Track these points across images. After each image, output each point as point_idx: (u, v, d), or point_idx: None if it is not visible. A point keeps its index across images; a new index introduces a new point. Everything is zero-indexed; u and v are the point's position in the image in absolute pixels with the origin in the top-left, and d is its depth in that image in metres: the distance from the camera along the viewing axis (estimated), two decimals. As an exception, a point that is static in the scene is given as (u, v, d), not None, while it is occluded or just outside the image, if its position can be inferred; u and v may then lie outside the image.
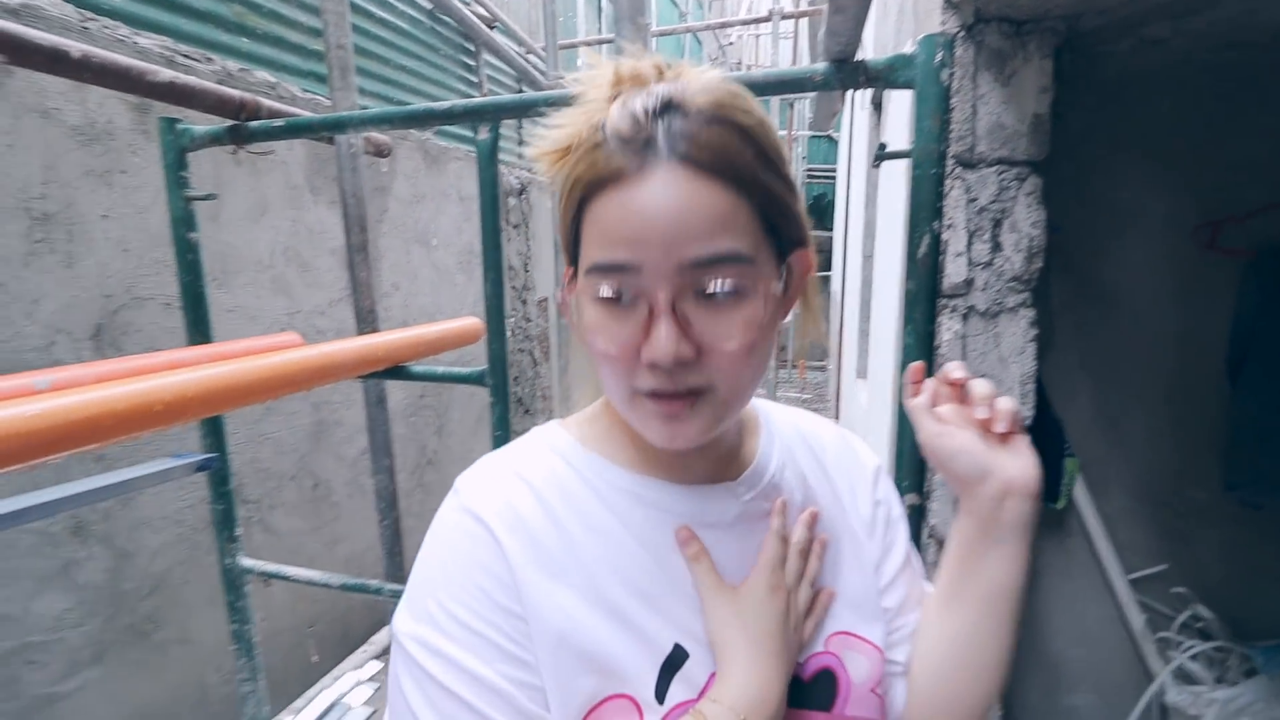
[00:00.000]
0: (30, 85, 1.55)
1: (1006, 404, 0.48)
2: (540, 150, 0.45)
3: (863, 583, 0.53)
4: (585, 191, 0.42)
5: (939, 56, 0.83)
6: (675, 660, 0.45)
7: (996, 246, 1.30)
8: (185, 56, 1.95)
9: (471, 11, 3.55)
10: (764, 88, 0.96)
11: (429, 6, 3.27)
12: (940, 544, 1.48)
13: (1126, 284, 1.55)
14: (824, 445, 0.58)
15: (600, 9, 5.77)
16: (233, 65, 2.12)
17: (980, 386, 0.49)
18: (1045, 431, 1.56)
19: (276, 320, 2.31)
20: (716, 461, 0.51)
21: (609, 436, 0.51)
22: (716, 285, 0.40)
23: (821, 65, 0.90)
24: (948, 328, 1.37)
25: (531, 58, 4.16)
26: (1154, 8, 1.20)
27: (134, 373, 0.73)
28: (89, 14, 1.69)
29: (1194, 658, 1.56)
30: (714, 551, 0.48)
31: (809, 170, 9.57)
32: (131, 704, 1.88)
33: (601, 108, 0.43)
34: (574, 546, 0.45)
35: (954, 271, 1.35)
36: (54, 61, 0.86)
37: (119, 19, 1.78)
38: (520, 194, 4.08)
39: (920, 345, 0.90)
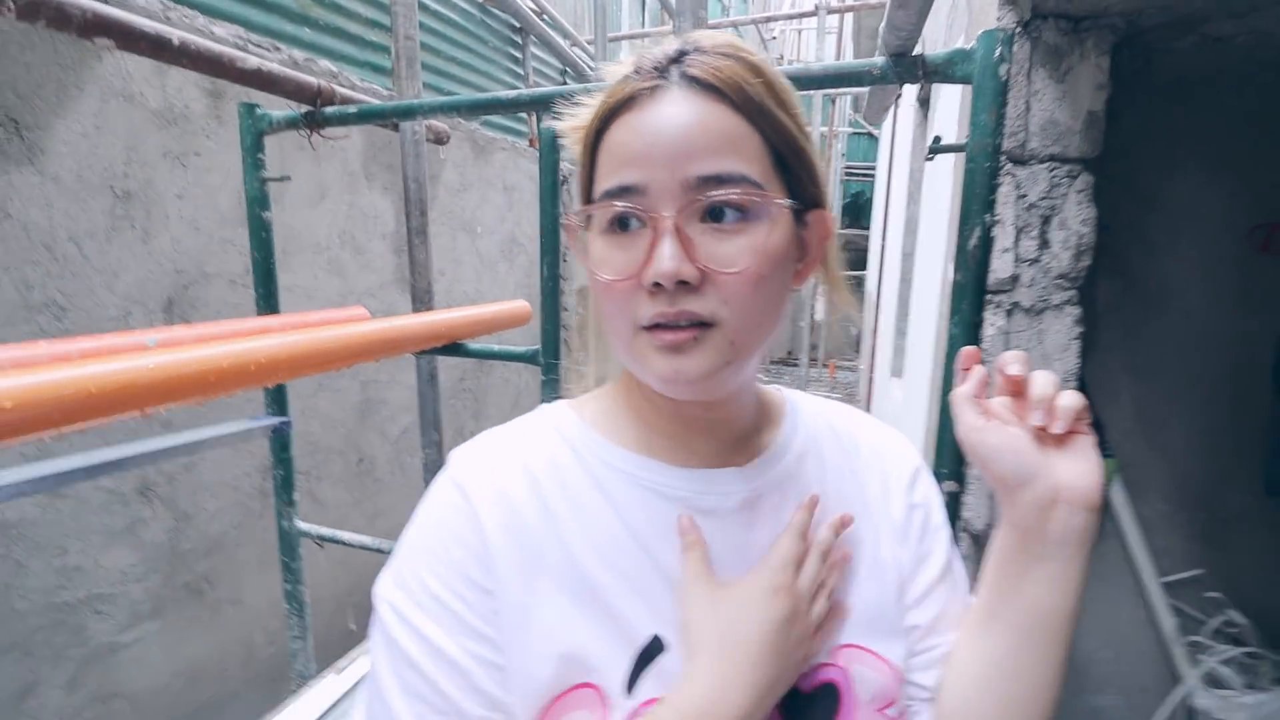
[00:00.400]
0: (117, 70, 1.64)
1: (1069, 400, 0.42)
2: (569, 125, 0.45)
3: (880, 593, 0.49)
4: (601, 124, 0.42)
5: (998, 52, 0.84)
6: (651, 651, 0.42)
7: (1044, 243, 1.31)
8: (256, 45, 2.04)
9: (521, 3, 3.61)
10: (822, 80, 0.98)
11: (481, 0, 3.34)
12: (973, 538, 1.49)
13: (1176, 285, 1.53)
14: (857, 440, 0.53)
15: (644, 3, 5.79)
16: (299, 54, 2.20)
17: (1040, 384, 0.43)
18: (1086, 431, 1.55)
19: (330, 299, 2.40)
20: (726, 444, 0.48)
21: (613, 416, 0.49)
22: (722, 201, 0.39)
23: (880, 59, 0.92)
24: (991, 323, 1.38)
25: (577, 50, 4.21)
26: (1218, 4, 1.19)
27: (228, 336, 0.79)
28: (170, 3, 1.78)
29: (1225, 663, 1.55)
30: (711, 540, 0.45)
31: (848, 168, 9.46)
32: (184, 658, 1.99)
33: (619, 82, 0.43)
34: (557, 525, 0.43)
35: (1000, 267, 1.35)
36: (157, 47, 0.93)
37: (196, 9, 1.87)
38: (562, 184, 4.14)
39: (966, 337, 0.91)
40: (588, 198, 0.43)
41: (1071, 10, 1.21)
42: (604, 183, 0.41)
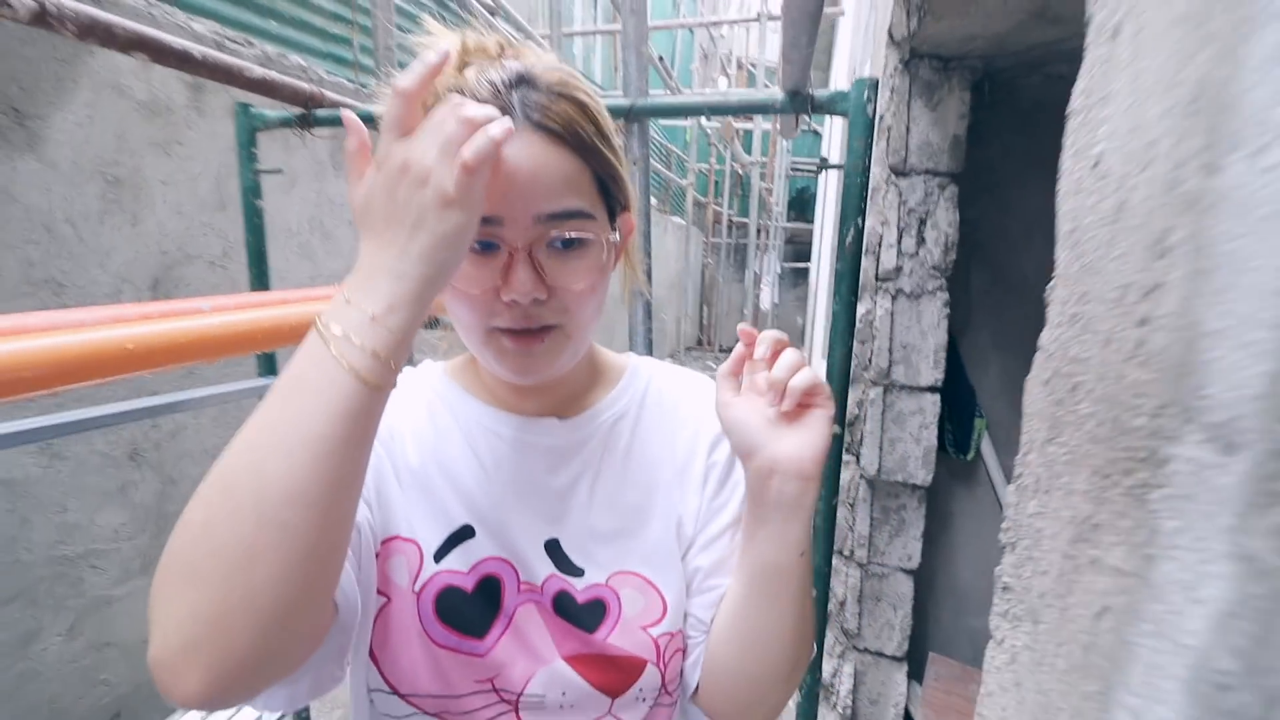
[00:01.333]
0: (107, 64, 1.75)
1: (798, 380, 0.46)
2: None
3: (664, 533, 0.55)
4: None
5: (866, 94, 1.10)
6: (461, 534, 0.53)
7: (921, 240, 1.59)
8: (231, 41, 2.15)
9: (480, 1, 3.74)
10: (736, 109, 1.22)
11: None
12: (868, 483, 1.79)
13: (1032, 276, 1.86)
14: (677, 402, 0.60)
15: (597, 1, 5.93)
16: (271, 49, 2.32)
17: (777, 366, 0.48)
18: (960, 395, 1.86)
19: (300, 281, 2.54)
20: (555, 400, 0.56)
21: (470, 373, 0.59)
22: (567, 236, 0.46)
23: (779, 94, 1.17)
24: (881, 305, 1.66)
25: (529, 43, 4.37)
26: (1051, 52, 1.49)
27: (258, 304, 0.97)
28: (154, 1, 1.89)
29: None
30: (524, 470, 0.55)
31: (794, 163, 9.83)
32: (172, 612, 2.13)
33: (453, 75, 0.46)
34: (420, 443, 0.55)
35: (886, 260, 1.63)
36: (183, 60, 1.09)
37: (176, 6, 1.98)
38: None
39: (846, 315, 1.17)
40: None
41: (941, 52, 1.49)
42: None
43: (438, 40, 0.47)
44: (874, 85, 1.11)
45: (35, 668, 1.73)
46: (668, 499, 0.56)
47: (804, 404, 0.47)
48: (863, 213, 1.15)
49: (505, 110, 0.44)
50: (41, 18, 0.94)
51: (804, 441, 0.46)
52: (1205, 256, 0.20)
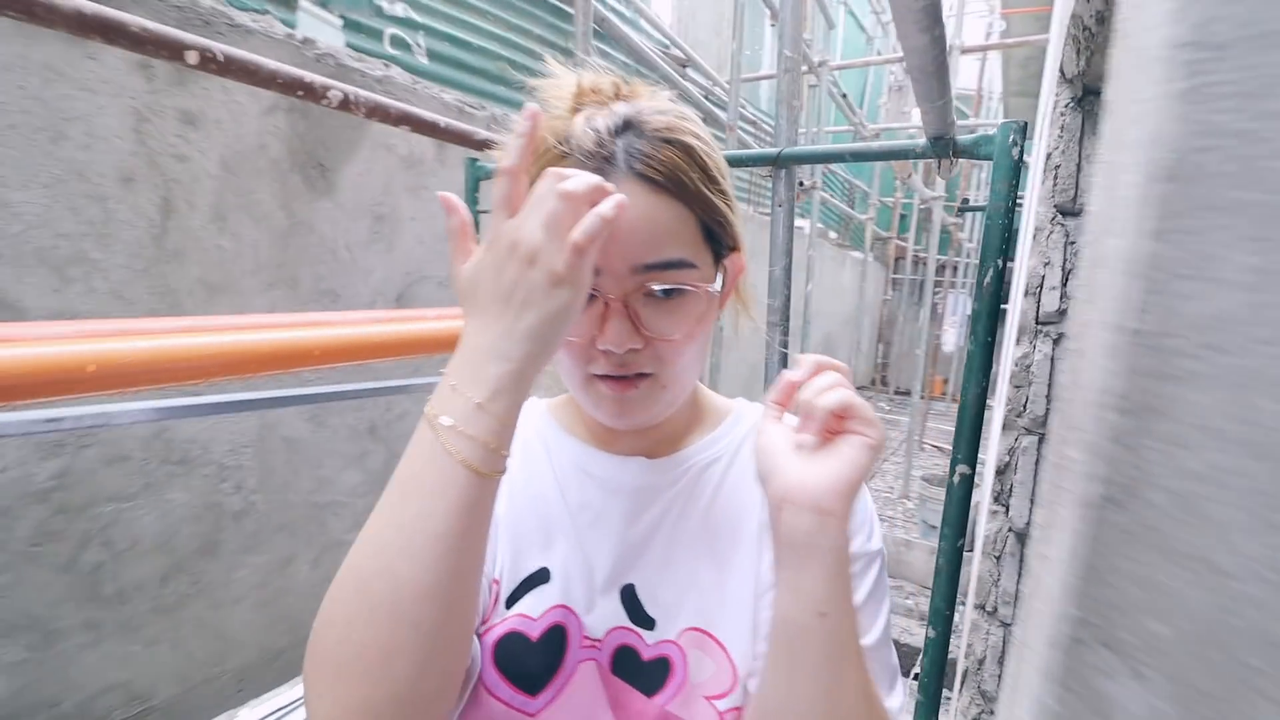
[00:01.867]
0: (381, 130, 2.27)
1: (825, 400, 0.40)
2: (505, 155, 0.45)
3: (741, 589, 0.49)
4: None
5: (1011, 138, 1.11)
6: (536, 578, 0.51)
7: (1089, 283, 1.48)
8: (470, 106, 2.64)
9: (669, 54, 4.09)
10: (880, 155, 1.29)
11: (630, 62, 3.85)
12: (1016, 536, 1.66)
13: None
14: None
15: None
16: (497, 110, 2.79)
17: (808, 388, 0.42)
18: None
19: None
20: (650, 442, 0.54)
21: (568, 411, 0.59)
22: (664, 287, 0.45)
23: (922, 140, 1.21)
24: (1040, 349, 1.56)
25: (717, 90, 4.63)
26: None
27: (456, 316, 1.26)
28: (416, 78, 2.40)
29: None
30: (605, 515, 0.52)
31: (961, 201, 9.04)
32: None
33: (565, 118, 0.46)
34: (512, 477, 0.53)
35: (1048, 302, 1.54)
36: (432, 130, 1.43)
37: (431, 80, 2.49)
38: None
39: (981, 354, 1.17)
40: None
41: (1122, 88, 1.39)
42: None
43: (559, 80, 0.48)
44: (1020, 129, 1.12)
45: (289, 585, 2.23)
46: (753, 558, 0.50)
47: (837, 430, 0.41)
48: (1004, 254, 1.15)
49: (609, 159, 0.44)
50: (345, 104, 1.31)
51: (827, 470, 0.40)
52: None
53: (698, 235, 0.46)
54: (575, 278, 0.39)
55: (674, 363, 0.47)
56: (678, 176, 0.44)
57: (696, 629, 0.49)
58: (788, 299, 1.27)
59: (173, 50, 1.02)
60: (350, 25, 2.21)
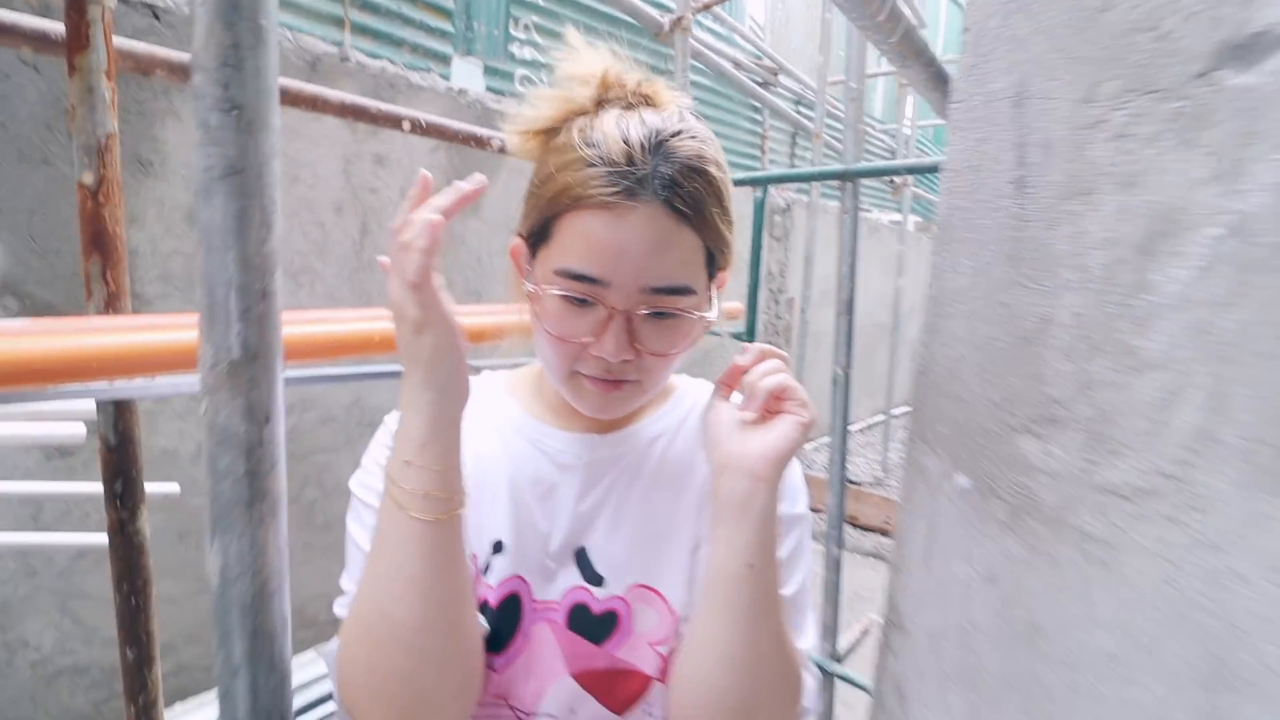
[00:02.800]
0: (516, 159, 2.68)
1: (767, 382, 0.46)
2: (518, 128, 0.48)
3: (682, 552, 0.53)
4: (571, 201, 0.44)
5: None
6: (495, 549, 0.53)
7: None
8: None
9: (761, 64, 4.30)
10: (931, 168, 1.48)
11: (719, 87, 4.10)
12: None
13: None
14: None
15: (877, 45, 6.05)
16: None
17: (753, 371, 0.48)
18: None
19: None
20: (605, 420, 0.54)
21: (525, 387, 0.59)
22: (666, 308, 0.46)
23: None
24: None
25: (808, 95, 4.77)
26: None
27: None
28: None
29: None
30: (558, 488, 0.53)
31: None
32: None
33: (586, 108, 0.47)
34: (468, 454, 0.50)
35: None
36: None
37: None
38: (784, 211, 4.73)
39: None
40: (535, 238, 0.48)
41: None
42: (570, 260, 0.45)
43: (579, 55, 0.47)
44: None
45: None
46: (691, 520, 0.54)
47: (776, 409, 0.47)
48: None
49: (639, 179, 0.43)
50: (502, 149, 1.68)
51: (764, 442, 0.45)
52: None
53: (702, 261, 0.48)
54: (430, 317, 0.40)
55: (659, 373, 0.50)
56: (700, 209, 0.45)
57: (641, 585, 0.52)
58: (851, 294, 1.49)
59: (393, 121, 1.41)
60: (489, 71, 2.64)
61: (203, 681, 1.87)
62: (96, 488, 0.80)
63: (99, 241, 0.78)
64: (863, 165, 1.54)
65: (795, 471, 0.56)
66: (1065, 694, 0.33)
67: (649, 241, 0.44)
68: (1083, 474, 0.32)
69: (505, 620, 0.51)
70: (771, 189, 3.79)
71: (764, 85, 4.41)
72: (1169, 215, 0.28)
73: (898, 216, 5.32)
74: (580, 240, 0.45)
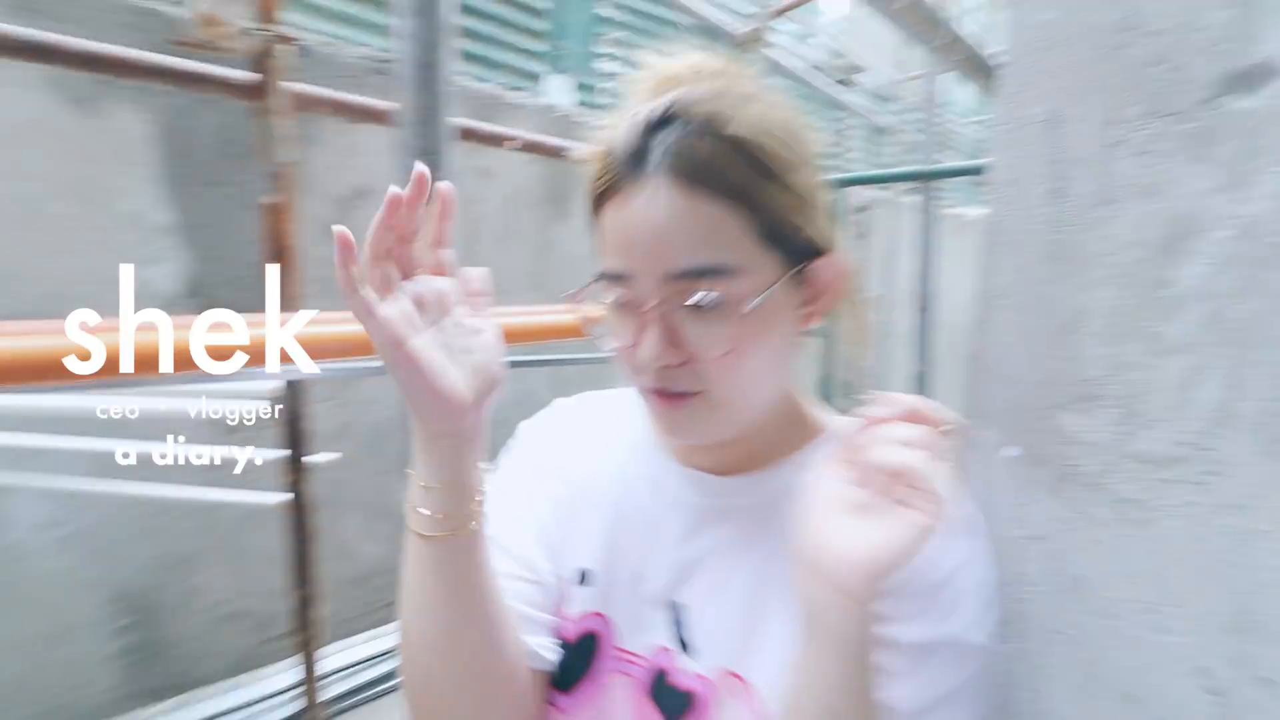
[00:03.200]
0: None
1: (889, 458, 0.33)
2: (581, 154, 0.45)
3: (790, 640, 0.41)
4: (595, 199, 0.42)
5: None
6: (579, 579, 0.49)
7: None
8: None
9: (836, 64, 4.23)
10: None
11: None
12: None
13: None
14: None
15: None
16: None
17: (878, 437, 0.34)
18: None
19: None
20: (725, 457, 0.47)
21: None
22: (701, 296, 0.38)
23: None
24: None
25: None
26: None
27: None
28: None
29: None
30: (661, 525, 0.47)
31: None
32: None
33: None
34: (578, 468, 0.50)
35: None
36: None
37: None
38: (863, 210, 4.62)
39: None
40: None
41: None
42: (601, 258, 0.43)
43: (646, 73, 0.43)
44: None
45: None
46: None
47: (896, 496, 0.34)
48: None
49: (640, 157, 0.39)
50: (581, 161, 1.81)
51: (860, 541, 0.33)
52: None
53: (747, 237, 0.39)
54: (379, 343, 0.35)
55: (725, 380, 0.41)
56: (717, 171, 0.38)
57: (734, 674, 0.43)
58: (928, 291, 1.49)
59: (496, 140, 1.56)
60: (578, 86, 2.80)
61: (337, 633, 2.12)
62: (276, 454, 0.97)
63: (279, 252, 0.95)
64: (938, 166, 1.54)
65: (955, 580, 0.40)
66: (1106, 640, 0.38)
67: (654, 218, 0.38)
68: (1117, 444, 0.37)
69: (578, 659, 0.47)
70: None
71: (843, 83, 4.33)
72: (1185, 220, 0.33)
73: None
74: (603, 237, 0.43)
